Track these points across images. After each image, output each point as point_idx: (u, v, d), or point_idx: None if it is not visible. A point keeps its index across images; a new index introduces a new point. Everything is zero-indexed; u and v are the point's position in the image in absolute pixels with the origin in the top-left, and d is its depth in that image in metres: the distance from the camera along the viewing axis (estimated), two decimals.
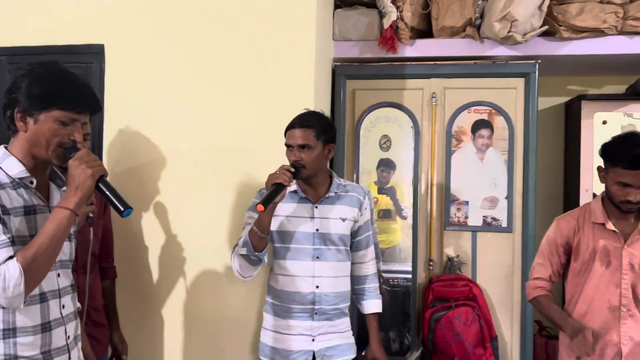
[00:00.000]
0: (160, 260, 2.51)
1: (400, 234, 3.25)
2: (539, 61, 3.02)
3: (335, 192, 2.09)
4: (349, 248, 2.12)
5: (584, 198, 3.25)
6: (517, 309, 3.03)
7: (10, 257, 1.24)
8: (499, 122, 3.11)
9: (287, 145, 2.03)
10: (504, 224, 3.07)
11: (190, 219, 2.49)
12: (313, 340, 2.04)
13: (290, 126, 2.02)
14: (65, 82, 1.39)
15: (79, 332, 1.53)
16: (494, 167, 3.11)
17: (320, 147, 2.02)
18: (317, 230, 2.05)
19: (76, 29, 2.60)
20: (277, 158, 2.14)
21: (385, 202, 3.26)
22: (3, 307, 1.31)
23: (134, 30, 2.56)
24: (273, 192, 1.84)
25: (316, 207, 2.07)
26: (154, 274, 2.51)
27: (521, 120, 3.08)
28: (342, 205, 2.09)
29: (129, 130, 2.54)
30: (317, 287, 2.03)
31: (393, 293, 3.21)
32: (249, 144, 2.45)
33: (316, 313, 2.03)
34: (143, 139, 2.53)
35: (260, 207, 1.81)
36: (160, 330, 2.49)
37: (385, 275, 3.21)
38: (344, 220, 2.07)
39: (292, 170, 1.92)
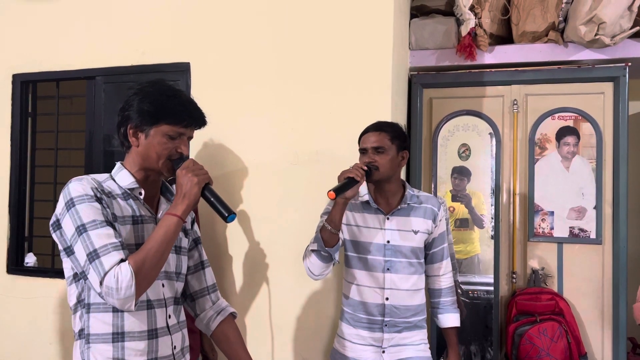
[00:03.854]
0: (243, 268, 2.59)
1: (478, 244, 3.17)
2: (629, 64, 2.86)
3: (408, 204, 2.07)
4: (422, 261, 2.09)
5: None
6: (608, 325, 2.87)
7: (122, 260, 1.30)
8: (585, 128, 2.98)
9: (362, 150, 2.04)
10: (593, 236, 2.93)
11: (271, 228, 2.56)
12: (383, 352, 2.03)
13: (365, 131, 2.05)
14: (172, 98, 1.47)
15: (186, 344, 1.58)
16: (580, 175, 2.97)
17: (394, 152, 2.01)
18: (388, 242, 2.03)
19: (164, 48, 2.76)
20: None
21: (461, 210, 3.19)
22: (114, 310, 1.39)
23: (217, 48, 2.67)
24: (345, 184, 1.83)
25: (388, 218, 2.05)
26: (237, 283, 2.59)
27: (610, 126, 2.93)
28: (415, 218, 2.06)
29: (213, 142, 2.65)
30: (387, 299, 2.02)
31: (473, 305, 3.13)
32: (327, 155, 2.49)
33: (386, 325, 2.02)
34: (226, 151, 2.63)
35: (331, 194, 1.78)
36: (243, 337, 2.56)
37: (464, 287, 3.15)
38: (416, 232, 2.04)
39: (365, 168, 1.91)
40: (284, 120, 2.56)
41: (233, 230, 2.60)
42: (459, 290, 3.11)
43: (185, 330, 1.58)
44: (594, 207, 2.94)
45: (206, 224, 2.54)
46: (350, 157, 2.31)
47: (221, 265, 2.60)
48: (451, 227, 3.17)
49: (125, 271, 1.28)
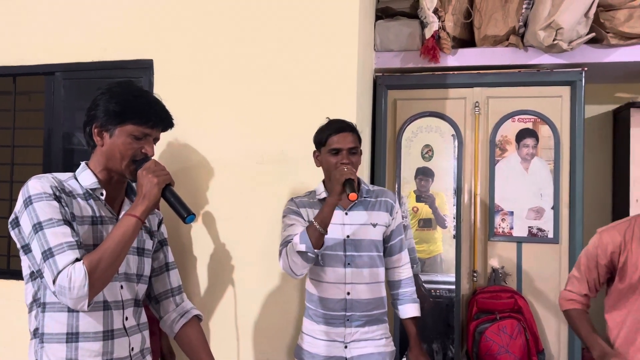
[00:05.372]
0: (208, 269, 2.57)
1: (441, 243, 3.23)
2: (586, 69, 2.96)
3: (364, 198, 2.09)
4: (381, 254, 2.11)
5: (634, 209, 3.16)
6: (564, 321, 2.96)
7: (77, 260, 1.29)
8: (544, 131, 3.06)
9: (335, 150, 2.00)
10: (550, 235, 3.02)
11: (237, 228, 2.54)
12: (346, 347, 2.04)
13: (338, 130, 2.01)
14: (139, 98, 1.46)
15: (147, 345, 1.57)
16: (539, 176, 3.06)
17: (360, 151, 2.05)
18: (348, 236, 2.05)
19: (126, 45, 2.70)
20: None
21: (425, 210, 3.24)
22: (70, 310, 1.37)
23: (182, 46, 2.64)
24: (352, 185, 1.84)
25: (346, 213, 2.07)
26: (201, 284, 2.57)
27: (567, 129, 3.03)
28: (373, 211, 2.09)
29: (178, 142, 2.62)
30: (349, 293, 2.03)
31: (435, 304, 3.19)
32: (293, 154, 2.48)
33: (348, 320, 2.03)
34: (191, 150, 2.60)
35: (354, 196, 1.80)
36: (208, 339, 2.53)
37: (427, 285, 3.20)
38: (375, 226, 2.07)
39: (354, 170, 1.92)
40: (250, 120, 2.55)
41: (198, 230, 2.57)
42: (422, 289, 3.16)
43: (146, 332, 1.57)
44: (552, 208, 3.03)
45: (170, 225, 2.47)
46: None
47: (185, 267, 2.57)
48: (415, 227, 3.22)
49: (79, 271, 1.27)
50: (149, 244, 1.58)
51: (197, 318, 1.68)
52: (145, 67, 2.67)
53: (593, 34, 2.89)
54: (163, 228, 1.69)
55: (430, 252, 3.28)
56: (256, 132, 2.53)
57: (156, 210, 1.67)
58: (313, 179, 2.32)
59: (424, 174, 3.24)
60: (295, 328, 2.46)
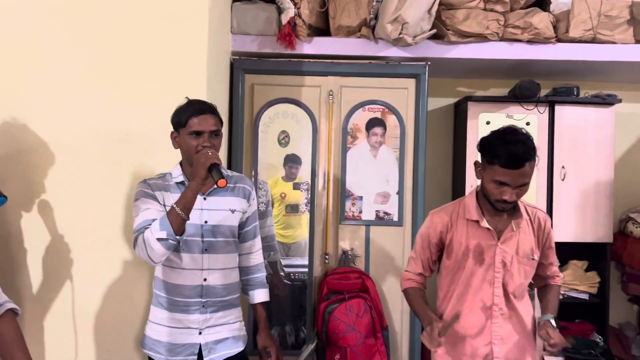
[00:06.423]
0: (43, 262, 2.36)
1: (306, 228, 3.29)
2: (429, 63, 3.16)
3: None
4: (237, 239, 2.12)
5: None
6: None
7: None
8: (391, 120, 3.24)
9: (196, 132, 1.93)
10: (395, 218, 3.21)
11: (76, 215, 2.36)
12: (200, 333, 2.02)
13: (199, 112, 1.95)
14: None
15: None
16: (386, 163, 3.23)
17: (221, 134, 2.02)
18: (206, 222, 2.02)
19: None
20: (166, 151, 2.10)
21: (292, 196, 3.30)
22: None
23: (13, 8, 2.36)
24: (219, 170, 1.81)
25: (205, 198, 2.03)
26: (34, 278, 2.36)
27: (412, 120, 3.22)
28: (231, 197, 2.08)
29: (15, 121, 2.35)
30: (205, 279, 2.01)
31: (292, 287, 3.26)
32: (137, 136, 2.37)
33: (203, 306, 2.01)
34: (27, 131, 2.35)
35: (224, 182, 1.80)
36: (40, 336, 2.35)
37: (287, 269, 3.27)
38: (233, 211, 2.06)
39: (217, 153, 1.89)
40: (91, 99, 2.37)
41: (30, 220, 2.35)
42: (281, 273, 3.22)
43: None
44: (397, 193, 3.22)
45: None
46: (161, 139, 2.21)
47: (14, 260, 2.35)
48: (282, 212, 3.27)
49: None
50: None
51: (13, 312, 1.54)
52: None
53: (435, 31, 3.10)
54: None
55: (295, 237, 3.35)
56: (99, 111, 2.37)
57: None
58: (159, 162, 2.24)
59: (293, 161, 3.29)
60: (142, 318, 2.37)
